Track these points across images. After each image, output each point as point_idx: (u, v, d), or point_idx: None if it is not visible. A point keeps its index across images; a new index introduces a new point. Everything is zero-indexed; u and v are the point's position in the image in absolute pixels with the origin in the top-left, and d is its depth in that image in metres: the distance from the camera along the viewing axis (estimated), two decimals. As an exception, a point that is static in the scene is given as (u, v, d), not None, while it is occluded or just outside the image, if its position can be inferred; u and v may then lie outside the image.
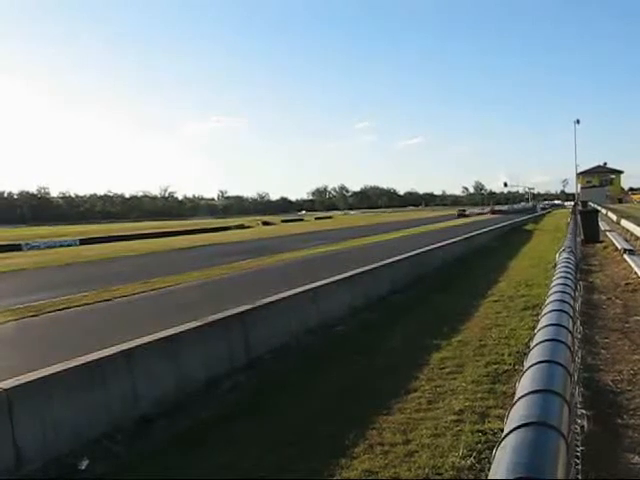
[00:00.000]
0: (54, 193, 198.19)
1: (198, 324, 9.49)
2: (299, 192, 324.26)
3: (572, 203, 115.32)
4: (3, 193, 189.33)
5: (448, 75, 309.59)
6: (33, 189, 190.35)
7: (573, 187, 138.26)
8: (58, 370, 7.03)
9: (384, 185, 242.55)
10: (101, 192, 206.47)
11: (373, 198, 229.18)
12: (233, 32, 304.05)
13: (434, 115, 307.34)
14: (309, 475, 6.08)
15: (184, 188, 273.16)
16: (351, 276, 15.47)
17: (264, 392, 9.03)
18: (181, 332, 9.05)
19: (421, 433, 6.86)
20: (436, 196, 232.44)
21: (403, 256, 20.37)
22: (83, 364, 7.34)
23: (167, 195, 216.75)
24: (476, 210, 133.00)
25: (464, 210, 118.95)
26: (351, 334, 12.57)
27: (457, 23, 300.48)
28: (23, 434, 6.34)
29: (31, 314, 16.04)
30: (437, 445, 6.47)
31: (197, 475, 6.34)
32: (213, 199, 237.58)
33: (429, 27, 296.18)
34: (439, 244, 26.62)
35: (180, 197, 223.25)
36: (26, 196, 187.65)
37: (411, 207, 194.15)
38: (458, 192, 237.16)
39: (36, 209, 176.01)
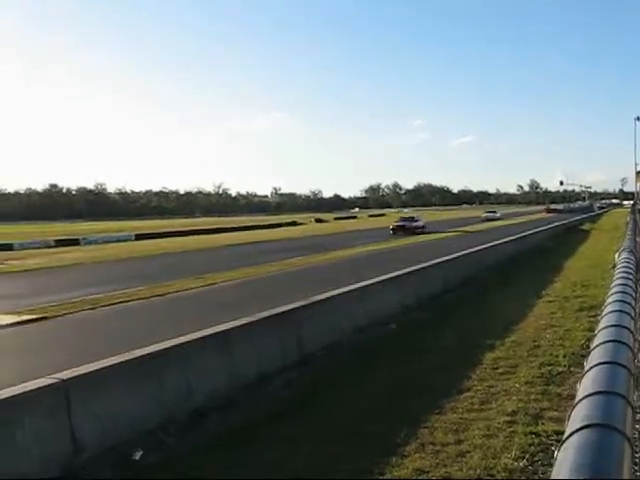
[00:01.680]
0: (111, 189, 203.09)
1: (251, 320, 9.56)
2: (352, 190, 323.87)
3: (631, 202, 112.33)
4: (62, 189, 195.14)
5: (497, 72, 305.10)
6: (90, 185, 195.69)
7: (632, 186, 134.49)
8: (115, 362, 7.19)
9: (437, 183, 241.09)
10: (156, 188, 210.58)
11: (426, 196, 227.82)
12: (283, 31, 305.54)
13: (485, 113, 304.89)
14: (358, 474, 6.06)
15: (237, 185, 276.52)
16: (400, 275, 15.38)
17: (316, 389, 9.04)
18: (234, 328, 9.14)
19: (473, 433, 6.77)
20: (490, 194, 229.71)
21: (455, 255, 20.17)
22: (139, 357, 7.48)
23: (221, 192, 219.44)
24: (497, 214, 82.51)
25: (412, 218, 57.82)
26: (402, 333, 12.48)
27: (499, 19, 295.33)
28: (80, 423, 6.49)
29: (88, 307, 16.41)
30: (489, 446, 6.37)
31: (248, 471, 6.39)
32: (266, 196, 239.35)
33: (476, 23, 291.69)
34: (491, 243, 26.24)
35: (233, 194, 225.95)
36: (84, 192, 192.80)
37: (465, 205, 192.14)
38: (513, 190, 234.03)
39: (93, 205, 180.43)
